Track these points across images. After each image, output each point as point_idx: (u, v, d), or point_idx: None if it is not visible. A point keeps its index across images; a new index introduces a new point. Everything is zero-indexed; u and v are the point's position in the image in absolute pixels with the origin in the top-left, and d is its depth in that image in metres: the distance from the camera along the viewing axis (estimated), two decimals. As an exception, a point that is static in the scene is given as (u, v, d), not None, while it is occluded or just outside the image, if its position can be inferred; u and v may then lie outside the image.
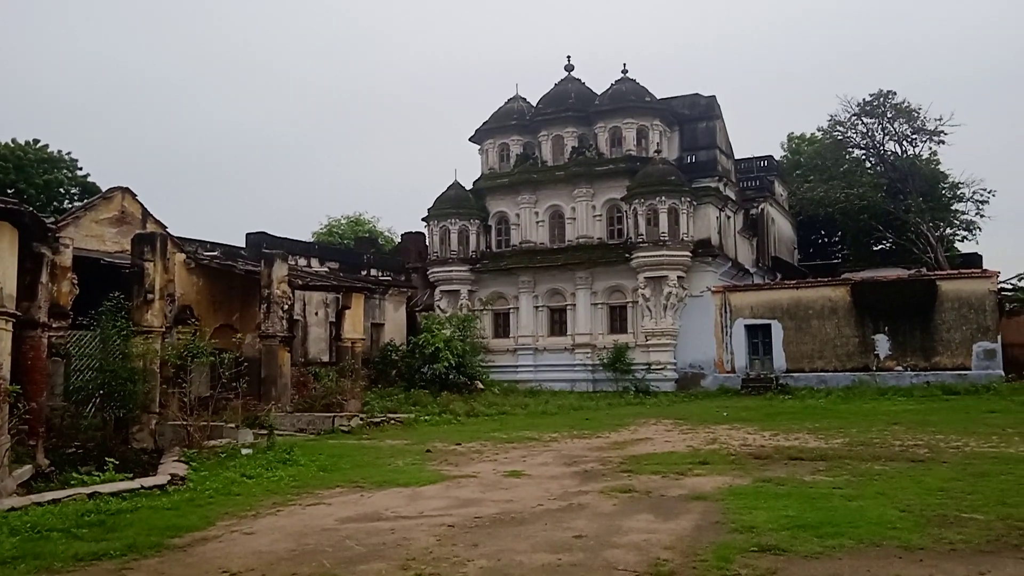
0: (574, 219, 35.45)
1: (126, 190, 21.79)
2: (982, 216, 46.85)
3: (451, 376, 29.19)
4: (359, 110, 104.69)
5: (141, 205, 21.93)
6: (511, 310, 36.27)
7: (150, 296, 16.71)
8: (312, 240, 44.77)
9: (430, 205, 37.43)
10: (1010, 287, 34.02)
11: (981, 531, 7.88)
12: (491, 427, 20.72)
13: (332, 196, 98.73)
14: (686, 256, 32.48)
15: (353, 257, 37.46)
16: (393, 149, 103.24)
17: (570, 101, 36.68)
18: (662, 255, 32.24)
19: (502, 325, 36.60)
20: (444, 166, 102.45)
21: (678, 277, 32.42)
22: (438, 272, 36.78)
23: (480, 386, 30.53)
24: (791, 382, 29.98)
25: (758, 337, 31.80)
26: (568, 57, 38.59)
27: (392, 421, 21.22)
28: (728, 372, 31.88)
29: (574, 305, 34.87)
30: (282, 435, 17.36)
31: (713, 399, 28.64)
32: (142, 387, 15.44)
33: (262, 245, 28.61)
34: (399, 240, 43.74)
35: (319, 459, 14.18)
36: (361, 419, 20.59)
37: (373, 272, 36.64)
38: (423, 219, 37.81)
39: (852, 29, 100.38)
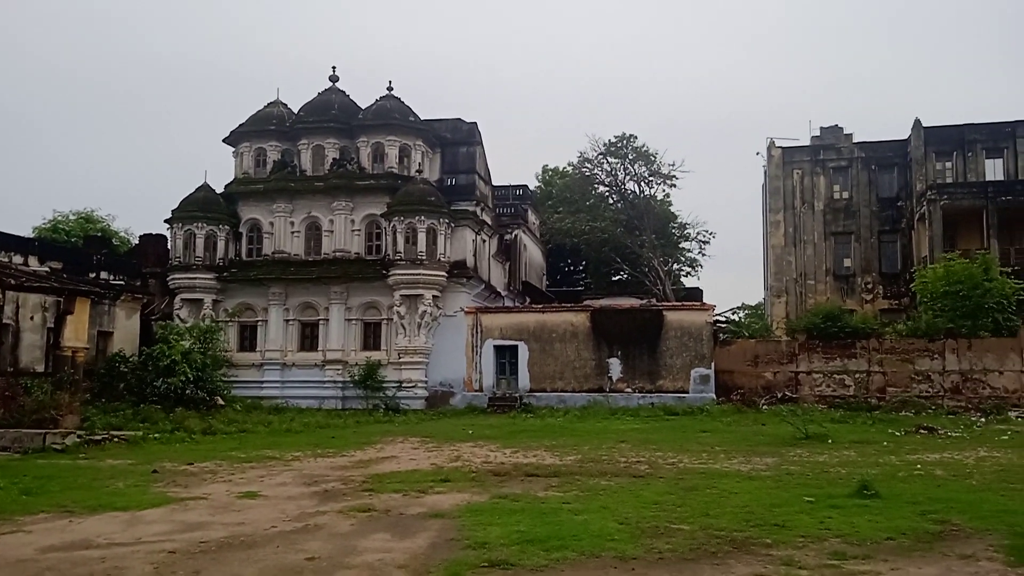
0: (332, 232, 34.78)
1: None
2: (704, 255, 52.63)
3: (188, 391, 27.36)
4: (96, 99, 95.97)
5: None
6: (260, 323, 34.76)
7: None
8: (32, 236, 40.05)
9: (175, 207, 35.05)
10: (723, 319, 38.30)
11: (686, 540, 8.67)
12: (229, 446, 19.63)
13: (60, 190, 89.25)
14: (442, 276, 33.03)
15: (81, 257, 33.92)
16: (136, 144, 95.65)
17: (333, 112, 36.09)
18: (419, 274, 32.55)
19: (249, 338, 34.94)
20: (194, 167, 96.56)
21: (433, 296, 32.88)
22: (180, 279, 34.41)
23: (221, 402, 28.87)
24: (534, 401, 31.41)
25: (506, 357, 32.99)
26: (333, 68, 38.12)
27: (116, 439, 19.43)
28: (476, 391, 32.75)
29: (327, 320, 34.15)
30: (-22, 455, 15.28)
31: (461, 417, 29.24)
32: None
33: (-32, 238, 25.12)
34: (136, 242, 40.32)
35: (23, 481, 12.65)
36: (79, 436, 18.66)
37: (104, 275, 33.36)
38: (166, 221, 35.28)
39: (602, 74, 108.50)
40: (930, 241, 37.79)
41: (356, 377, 32.42)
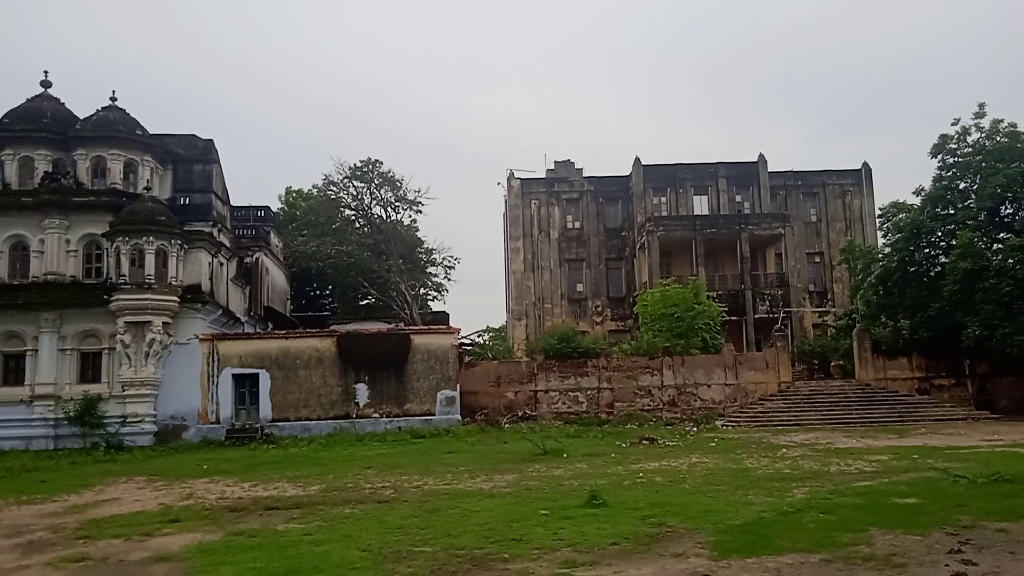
0: (42, 253, 31.15)
1: None
2: (450, 279, 53.85)
3: None
4: None
5: None
6: (-50, 355, 30.25)
7: None
8: None
9: None
10: (469, 342, 39.37)
11: (428, 563, 8.75)
12: (-95, 500, 16.81)
13: None
14: (173, 301, 30.80)
15: None
16: None
17: (45, 120, 32.46)
18: (147, 299, 30.09)
19: (-64, 374, 30.27)
20: None
21: (164, 323, 30.53)
22: None
23: None
24: (277, 431, 30.17)
25: (246, 387, 31.41)
26: (45, 72, 34.18)
27: None
28: (213, 423, 30.81)
29: (36, 351, 30.43)
30: None
31: (195, 452, 27.34)
32: None
33: None
34: None
35: None
36: None
37: None
38: None
39: (347, 100, 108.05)
40: (649, 268, 41.72)
41: (72, 413, 29.23)
